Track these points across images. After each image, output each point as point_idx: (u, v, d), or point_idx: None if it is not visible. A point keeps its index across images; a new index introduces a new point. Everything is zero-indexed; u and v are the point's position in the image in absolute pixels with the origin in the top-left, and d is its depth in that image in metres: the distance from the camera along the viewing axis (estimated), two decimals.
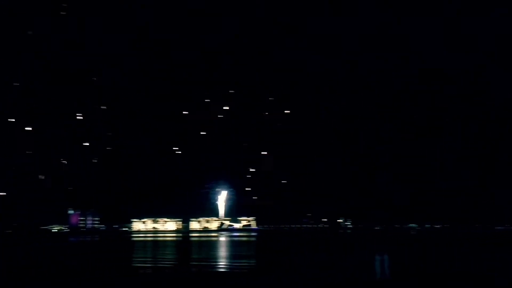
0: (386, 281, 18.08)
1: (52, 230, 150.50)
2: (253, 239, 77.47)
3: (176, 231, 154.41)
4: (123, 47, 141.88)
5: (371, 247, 19.59)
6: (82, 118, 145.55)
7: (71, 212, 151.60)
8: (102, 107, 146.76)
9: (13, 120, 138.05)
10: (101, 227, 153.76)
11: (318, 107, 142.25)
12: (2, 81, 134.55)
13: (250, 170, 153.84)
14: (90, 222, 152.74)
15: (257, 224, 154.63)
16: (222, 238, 79.12)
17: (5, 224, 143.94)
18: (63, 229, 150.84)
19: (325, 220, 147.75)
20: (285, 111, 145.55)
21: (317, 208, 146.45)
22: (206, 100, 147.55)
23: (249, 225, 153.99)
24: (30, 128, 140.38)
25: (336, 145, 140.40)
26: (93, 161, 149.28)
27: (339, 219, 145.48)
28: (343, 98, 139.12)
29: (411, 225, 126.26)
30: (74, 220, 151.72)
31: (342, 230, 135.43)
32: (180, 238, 79.22)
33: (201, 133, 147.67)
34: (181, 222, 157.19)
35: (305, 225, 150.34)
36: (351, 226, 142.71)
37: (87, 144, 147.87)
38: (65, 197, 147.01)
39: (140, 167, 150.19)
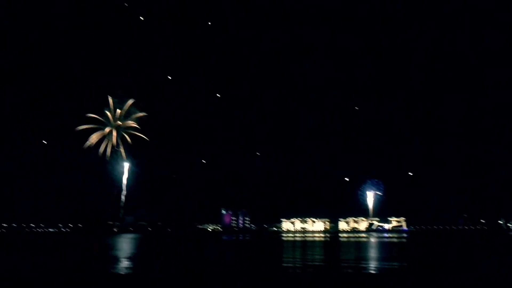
0: None
1: (208, 229, 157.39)
2: (404, 240, 75.32)
3: (325, 231, 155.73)
4: None
5: None
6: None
7: (224, 212, 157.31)
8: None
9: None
10: (252, 226, 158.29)
11: None
12: None
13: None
14: (242, 221, 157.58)
15: (408, 225, 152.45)
16: (372, 239, 77.67)
17: (165, 223, 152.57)
18: (217, 228, 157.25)
19: (483, 221, 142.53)
20: None
21: (474, 208, 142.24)
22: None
23: (400, 225, 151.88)
24: None
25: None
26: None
27: (500, 221, 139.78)
28: None
29: None
30: (227, 219, 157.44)
31: (505, 233, 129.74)
32: (328, 239, 79.32)
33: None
34: (329, 222, 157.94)
35: (460, 226, 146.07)
36: None
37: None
38: (218, 197, 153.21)
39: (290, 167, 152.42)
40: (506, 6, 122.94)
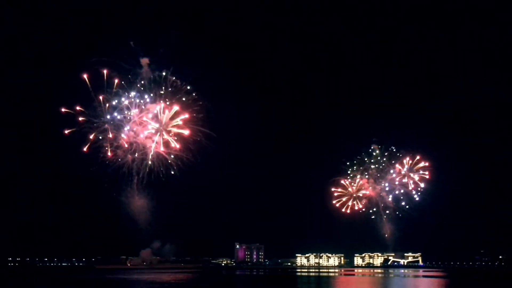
0: None
1: (222, 264, 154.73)
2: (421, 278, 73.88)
3: (339, 266, 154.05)
4: None
5: None
6: None
7: (237, 246, 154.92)
8: None
9: None
10: (266, 261, 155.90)
11: None
12: None
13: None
14: (256, 256, 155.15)
15: (424, 261, 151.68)
16: (390, 276, 76.78)
17: (180, 257, 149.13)
18: (231, 263, 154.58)
19: (502, 257, 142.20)
20: None
21: (492, 243, 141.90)
22: None
23: (417, 261, 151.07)
24: None
25: None
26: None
27: None
28: None
29: None
30: (240, 254, 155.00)
31: None
32: (342, 275, 78.71)
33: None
34: (343, 258, 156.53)
35: (478, 263, 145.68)
36: None
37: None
38: (233, 231, 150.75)
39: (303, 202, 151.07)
40: None
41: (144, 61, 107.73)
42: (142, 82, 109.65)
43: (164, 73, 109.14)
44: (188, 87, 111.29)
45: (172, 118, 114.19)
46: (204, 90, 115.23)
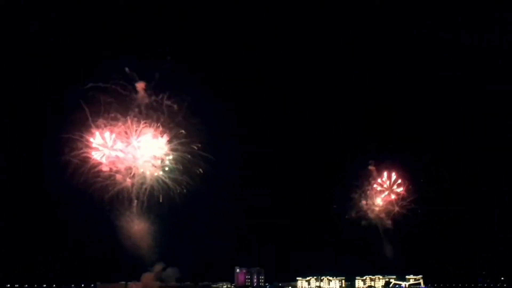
0: None
1: None
2: None
3: None
4: None
5: None
6: None
7: (238, 270, 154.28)
8: None
9: None
10: (266, 285, 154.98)
11: None
12: None
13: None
14: (256, 280, 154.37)
15: (425, 283, 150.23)
16: None
17: (179, 282, 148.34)
18: (231, 287, 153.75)
19: (503, 278, 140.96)
20: None
21: (493, 265, 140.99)
22: None
23: (418, 283, 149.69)
24: None
25: None
26: None
27: None
28: None
29: None
30: (241, 278, 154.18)
31: None
32: None
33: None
34: (344, 281, 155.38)
35: (480, 285, 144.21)
36: None
37: None
38: (232, 255, 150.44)
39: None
40: None
41: (140, 85, 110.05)
42: (138, 107, 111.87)
43: (160, 98, 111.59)
44: (185, 111, 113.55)
45: (169, 142, 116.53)
46: (201, 113, 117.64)
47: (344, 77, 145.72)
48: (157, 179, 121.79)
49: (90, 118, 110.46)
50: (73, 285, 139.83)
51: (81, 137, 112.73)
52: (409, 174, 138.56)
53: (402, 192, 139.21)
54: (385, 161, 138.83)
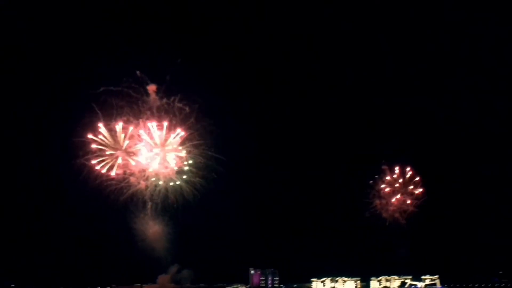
0: None
1: None
2: None
3: None
4: None
5: None
6: None
7: (252, 271, 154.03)
8: None
9: None
10: (281, 286, 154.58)
11: None
12: None
13: None
14: (271, 281, 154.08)
15: (442, 283, 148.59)
16: None
17: (194, 284, 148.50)
18: None
19: None
20: None
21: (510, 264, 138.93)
22: None
23: (434, 284, 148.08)
24: None
25: None
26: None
27: None
28: None
29: None
30: (255, 280, 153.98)
31: None
32: None
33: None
34: (360, 282, 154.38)
35: (497, 284, 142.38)
36: None
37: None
38: (247, 256, 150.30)
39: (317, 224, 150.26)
40: None
41: (151, 88, 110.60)
42: (150, 110, 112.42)
43: (171, 100, 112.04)
44: (196, 113, 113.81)
45: (181, 143, 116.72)
46: (213, 114, 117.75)
47: (357, 77, 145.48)
48: (171, 181, 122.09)
49: (103, 121, 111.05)
50: None
51: (95, 140, 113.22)
52: (424, 173, 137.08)
53: (417, 191, 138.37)
54: (399, 160, 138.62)
